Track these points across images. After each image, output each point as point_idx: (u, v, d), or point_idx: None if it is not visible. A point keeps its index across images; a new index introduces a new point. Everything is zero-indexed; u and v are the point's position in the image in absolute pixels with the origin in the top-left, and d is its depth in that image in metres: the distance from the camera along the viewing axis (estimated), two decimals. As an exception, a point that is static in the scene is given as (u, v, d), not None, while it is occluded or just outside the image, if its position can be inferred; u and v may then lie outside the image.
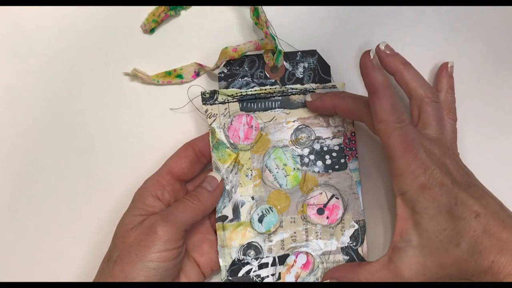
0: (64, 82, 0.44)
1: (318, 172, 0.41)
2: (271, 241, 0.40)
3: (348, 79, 0.42)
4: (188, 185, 0.41)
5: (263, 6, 0.41)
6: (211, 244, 0.41)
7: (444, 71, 0.42)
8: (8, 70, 0.44)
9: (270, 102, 0.41)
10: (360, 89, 0.42)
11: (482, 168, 0.40)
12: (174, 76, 0.43)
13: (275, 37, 0.41)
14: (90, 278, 0.38)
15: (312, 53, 0.42)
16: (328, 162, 0.41)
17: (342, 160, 0.41)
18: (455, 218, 0.34)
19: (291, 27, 0.43)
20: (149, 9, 0.43)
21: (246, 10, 0.42)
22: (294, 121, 0.41)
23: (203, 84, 0.43)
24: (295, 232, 0.40)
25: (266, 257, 0.40)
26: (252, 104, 0.41)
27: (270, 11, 0.42)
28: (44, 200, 0.43)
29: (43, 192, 0.43)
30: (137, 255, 0.36)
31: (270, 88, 0.41)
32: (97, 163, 0.43)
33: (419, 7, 0.44)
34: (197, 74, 0.43)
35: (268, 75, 0.41)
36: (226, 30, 0.44)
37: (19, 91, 0.44)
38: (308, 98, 0.40)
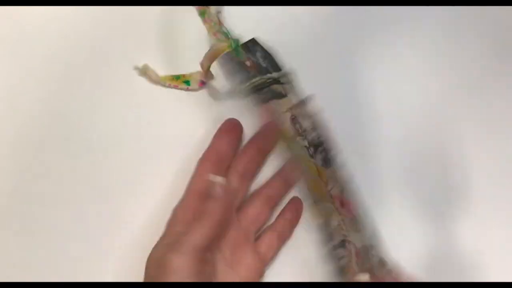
0: (65, 82, 0.44)
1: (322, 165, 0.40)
2: None
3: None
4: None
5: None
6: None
7: None
8: (8, 70, 0.44)
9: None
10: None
11: (482, 168, 0.40)
12: (181, 81, 0.43)
13: (227, 33, 0.40)
14: (89, 278, 0.38)
15: (254, 42, 0.40)
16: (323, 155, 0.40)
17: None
18: None
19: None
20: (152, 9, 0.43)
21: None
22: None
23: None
24: None
25: None
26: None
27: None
28: (44, 200, 0.43)
29: (44, 192, 0.43)
30: None
31: (260, 79, 0.39)
32: (97, 164, 0.43)
33: (419, 7, 0.44)
34: (204, 83, 0.43)
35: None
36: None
37: (19, 91, 0.44)
38: None
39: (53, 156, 0.43)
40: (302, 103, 0.39)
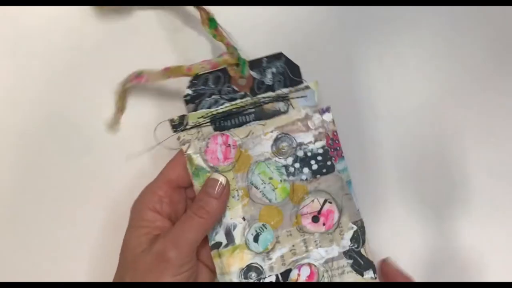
0: (65, 82, 0.44)
1: (306, 179, 0.39)
2: (270, 259, 0.39)
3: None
4: (187, 191, 0.40)
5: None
6: None
7: None
8: (8, 70, 0.44)
9: (243, 117, 0.39)
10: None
11: (482, 169, 0.40)
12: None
13: (236, 48, 0.39)
14: (88, 278, 0.38)
15: (278, 56, 0.40)
16: (315, 167, 0.39)
17: (329, 163, 0.39)
18: None
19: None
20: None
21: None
22: (272, 132, 0.39)
23: (168, 111, 0.41)
24: (293, 245, 0.39)
25: (269, 276, 0.39)
26: (225, 122, 0.39)
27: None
28: (44, 200, 0.43)
29: (43, 192, 0.43)
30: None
31: (241, 102, 0.39)
32: (96, 163, 0.43)
33: (419, 7, 0.44)
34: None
35: (236, 89, 0.39)
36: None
37: (19, 91, 0.44)
38: None
39: (53, 156, 0.43)
40: (307, 116, 0.39)
